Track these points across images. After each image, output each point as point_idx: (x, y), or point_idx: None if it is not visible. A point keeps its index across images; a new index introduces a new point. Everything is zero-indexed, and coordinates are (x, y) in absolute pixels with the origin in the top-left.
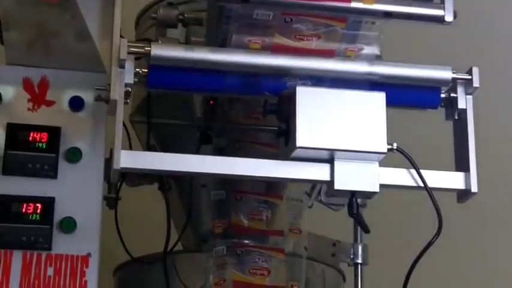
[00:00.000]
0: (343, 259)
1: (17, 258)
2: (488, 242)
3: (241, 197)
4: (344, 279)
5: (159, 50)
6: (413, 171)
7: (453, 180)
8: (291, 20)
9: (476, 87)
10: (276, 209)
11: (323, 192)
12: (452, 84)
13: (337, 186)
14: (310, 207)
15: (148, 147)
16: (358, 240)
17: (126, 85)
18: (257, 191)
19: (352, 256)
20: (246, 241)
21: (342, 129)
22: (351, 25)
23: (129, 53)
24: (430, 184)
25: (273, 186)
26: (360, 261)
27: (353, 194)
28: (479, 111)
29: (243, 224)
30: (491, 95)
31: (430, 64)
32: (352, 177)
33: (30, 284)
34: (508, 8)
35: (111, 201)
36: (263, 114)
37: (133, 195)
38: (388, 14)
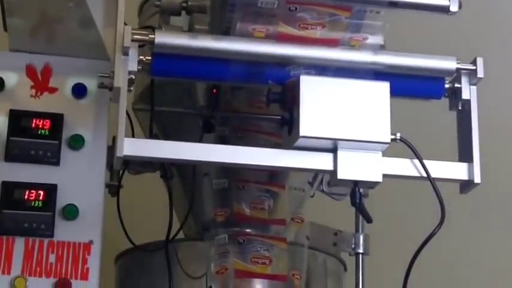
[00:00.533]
0: (344, 249)
1: (19, 244)
2: (489, 233)
3: (244, 186)
4: (345, 269)
5: (163, 38)
6: (416, 161)
7: (456, 170)
8: (296, 8)
9: (480, 78)
10: (278, 198)
11: (325, 181)
12: (457, 75)
13: (340, 175)
14: (312, 196)
15: (151, 136)
16: (360, 230)
17: (130, 73)
18: (259, 180)
19: (353, 246)
20: (248, 230)
21: (345, 118)
22: (355, 14)
23: (133, 40)
24: (433, 174)
25: (275, 175)
26: (361, 250)
27: (356, 183)
28: (482, 102)
29: (245, 213)
30: (495, 86)
31: (434, 54)
32: (355, 166)
33: (32, 271)
34: None
35: (113, 188)
36: (266, 103)
37: (135, 183)
38: (393, 4)
